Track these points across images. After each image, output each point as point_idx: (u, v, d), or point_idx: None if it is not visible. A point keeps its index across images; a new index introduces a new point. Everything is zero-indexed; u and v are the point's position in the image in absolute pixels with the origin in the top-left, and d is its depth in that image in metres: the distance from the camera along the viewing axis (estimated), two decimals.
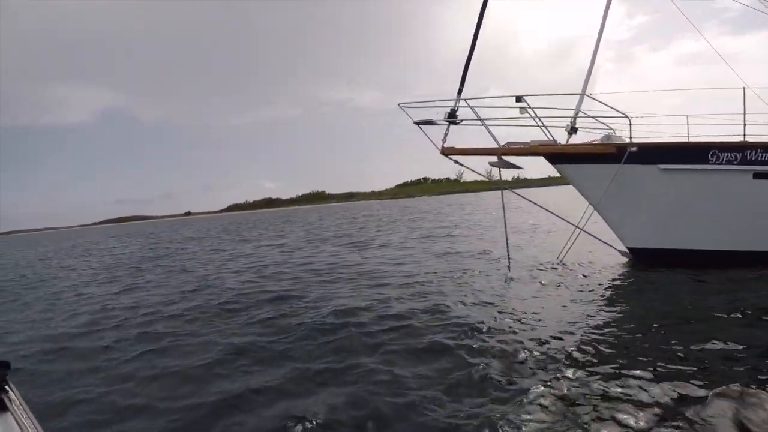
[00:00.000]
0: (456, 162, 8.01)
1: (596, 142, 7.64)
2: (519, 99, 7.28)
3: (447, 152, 7.84)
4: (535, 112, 7.36)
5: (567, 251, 8.21)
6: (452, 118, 7.75)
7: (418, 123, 7.95)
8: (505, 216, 8.07)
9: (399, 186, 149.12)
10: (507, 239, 8.05)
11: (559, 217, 8.37)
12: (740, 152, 6.92)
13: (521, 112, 7.33)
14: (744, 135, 6.88)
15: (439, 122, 7.87)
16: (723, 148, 6.95)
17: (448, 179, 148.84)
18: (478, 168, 8.34)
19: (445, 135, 7.88)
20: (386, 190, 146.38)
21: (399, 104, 7.93)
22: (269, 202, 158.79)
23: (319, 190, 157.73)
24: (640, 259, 7.65)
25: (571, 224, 8.19)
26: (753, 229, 7.03)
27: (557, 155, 7.63)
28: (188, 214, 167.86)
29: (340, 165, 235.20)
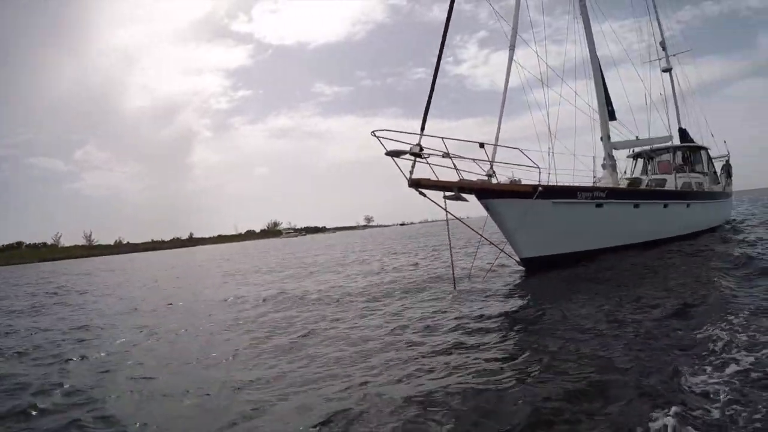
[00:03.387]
0: (421, 193, 8.80)
1: (512, 183, 9.78)
2: (482, 145, 8.82)
3: (416, 183, 8.60)
4: (492, 157, 9.07)
5: (492, 267, 10.29)
6: (418, 152, 8.57)
7: (389, 154, 8.44)
8: (450, 243, 9.50)
9: None
10: (452, 262, 9.40)
11: (491, 242, 10.29)
12: (590, 191, 10.30)
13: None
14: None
15: (405, 156, 8.58)
16: (582, 189, 10.28)
17: (45, 244, 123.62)
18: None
19: (413, 167, 8.64)
20: None
21: (372, 132, 8.25)
22: None
23: None
24: (536, 264, 10.17)
25: (497, 247, 10.21)
26: (602, 235, 10.76)
27: (489, 191, 9.40)
28: None
29: None
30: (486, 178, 9.46)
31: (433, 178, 8.91)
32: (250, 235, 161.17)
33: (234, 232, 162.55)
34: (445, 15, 9.76)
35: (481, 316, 6.33)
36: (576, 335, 4.88)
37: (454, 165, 8.87)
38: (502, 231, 10.11)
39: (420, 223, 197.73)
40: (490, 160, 9.51)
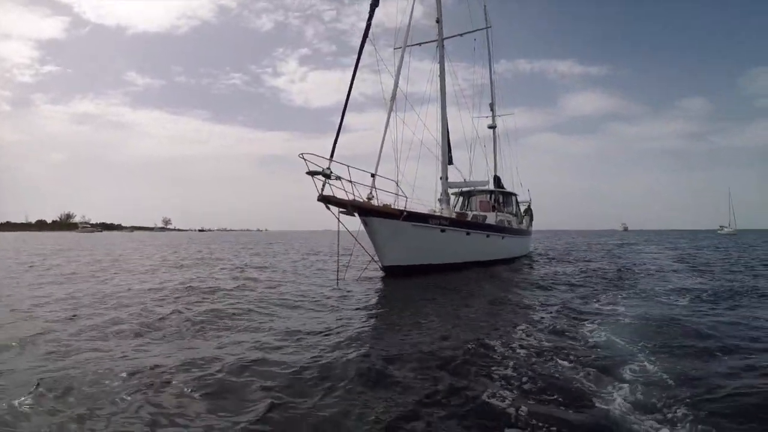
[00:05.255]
0: (327, 207, 11.01)
1: (386, 207, 12.50)
2: (373, 175, 11.46)
3: (325, 199, 10.82)
4: (375, 183, 11.72)
5: (365, 269, 12.88)
6: (328, 175, 10.82)
7: (309, 173, 10.56)
8: (339, 248, 11.87)
9: None
10: (338, 260, 11.76)
11: (368, 252, 12.76)
12: (437, 219, 13.69)
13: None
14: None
15: (319, 177, 10.79)
16: (432, 217, 13.63)
17: None
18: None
19: (323, 186, 10.84)
20: None
21: (300, 154, 10.30)
22: None
23: None
24: (395, 271, 13.00)
25: (370, 255, 12.78)
26: (443, 253, 14.10)
27: (369, 210, 12.02)
28: None
29: None
30: (367, 200, 12.10)
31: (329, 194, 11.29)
32: (41, 225, 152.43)
33: (24, 221, 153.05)
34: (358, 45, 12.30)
35: (358, 300, 8.74)
36: (422, 319, 6.91)
37: (352, 188, 11.30)
38: (373, 243, 12.73)
39: (218, 230, 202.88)
40: (372, 186, 12.19)
